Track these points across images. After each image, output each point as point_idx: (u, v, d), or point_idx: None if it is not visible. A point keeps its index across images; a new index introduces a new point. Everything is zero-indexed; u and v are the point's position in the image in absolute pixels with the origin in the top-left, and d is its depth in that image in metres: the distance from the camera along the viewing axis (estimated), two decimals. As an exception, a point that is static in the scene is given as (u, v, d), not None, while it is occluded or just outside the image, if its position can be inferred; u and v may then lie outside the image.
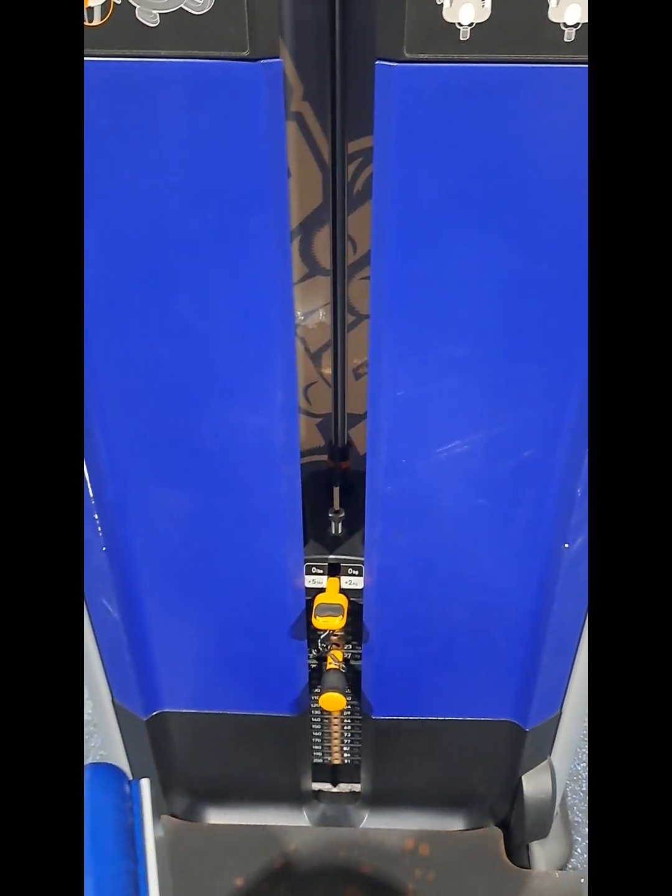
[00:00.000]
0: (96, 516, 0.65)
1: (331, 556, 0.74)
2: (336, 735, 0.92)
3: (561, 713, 0.84)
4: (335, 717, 0.88)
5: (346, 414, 0.78)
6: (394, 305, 0.56)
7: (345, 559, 0.74)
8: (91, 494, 0.64)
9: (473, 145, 0.49)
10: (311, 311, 0.77)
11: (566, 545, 0.67)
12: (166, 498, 0.66)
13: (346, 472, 0.78)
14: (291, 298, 0.57)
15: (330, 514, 0.76)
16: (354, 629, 0.78)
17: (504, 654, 0.77)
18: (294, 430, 0.63)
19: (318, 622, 0.72)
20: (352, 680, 0.82)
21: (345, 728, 0.90)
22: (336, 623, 0.72)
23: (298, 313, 0.76)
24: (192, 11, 0.44)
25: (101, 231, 0.52)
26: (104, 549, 0.67)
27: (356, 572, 0.74)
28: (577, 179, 0.49)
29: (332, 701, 0.76)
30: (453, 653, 0.78)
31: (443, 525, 0.67)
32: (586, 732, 1.28)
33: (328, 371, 0.79)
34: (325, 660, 0.79)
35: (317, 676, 0.82)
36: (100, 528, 0.66)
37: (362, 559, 0.73)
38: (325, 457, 0.81)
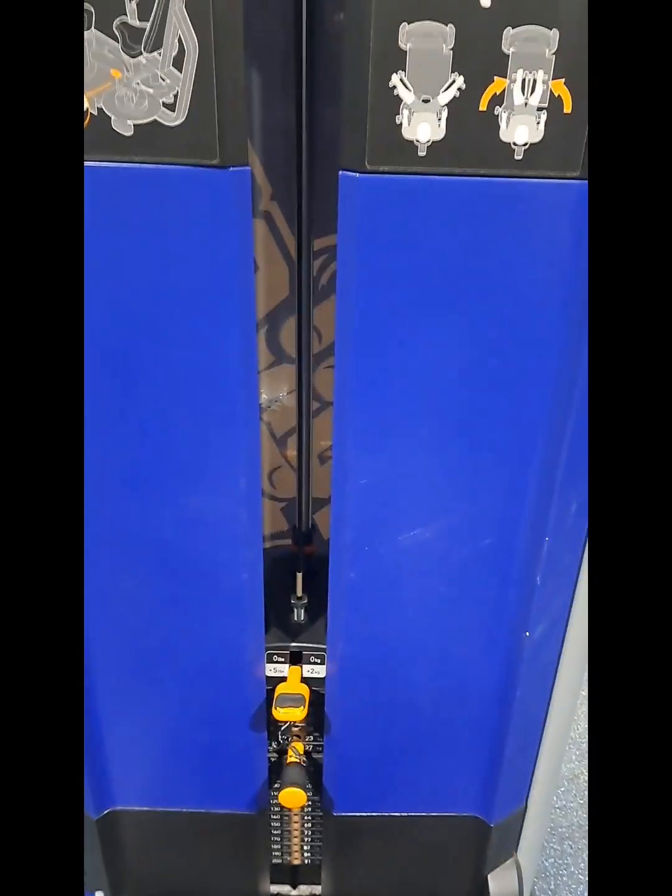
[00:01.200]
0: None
1: (293, 644, 0.73)
2: (296, 833, 0.88)
3: (526, 806, 0.82)
4: (295, 814, 0.85)
5: (310, 498, 0.78)
6: (356, 395, 0.58)
7: (307, 647, 0.73)
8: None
9: (429, 249, 0.52)
10: (276, 397, 0.79)
11: (527, 634, 0.67)
12: (124, 583, 0.65)
13: (311, 557, 0.78)
14: (256, 385, 0.59)
15: (293, 601, 0.76)
16: (316, 720, 0.76)
17: (468, 745, 0.76)
18: (257, 515, 0.63)
19: (279, 713, 0.71)
20: (313, 774, 0.79)
21: (305, 826, 0.87)
22: (297, 714, 0.71)
23: (264, 399, 0.78)
24: (166, 123, 0.47)
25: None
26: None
27: (318, 660, 0.73)
28: (523, 281, 0.53)
29: (293, 797, 0.74)
30: (417, 744, 0.76)
31: (405, 612, 0.67)
32: (551, 826, 1.24)
33: (294, 455, 0.80)
34: (286, 753, 0.77)
35: (276, 771, 0.80)
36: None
37: (325, 647, 0.72)
38: (289, 541, 0.81)
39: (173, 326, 0.54)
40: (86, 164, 0.48)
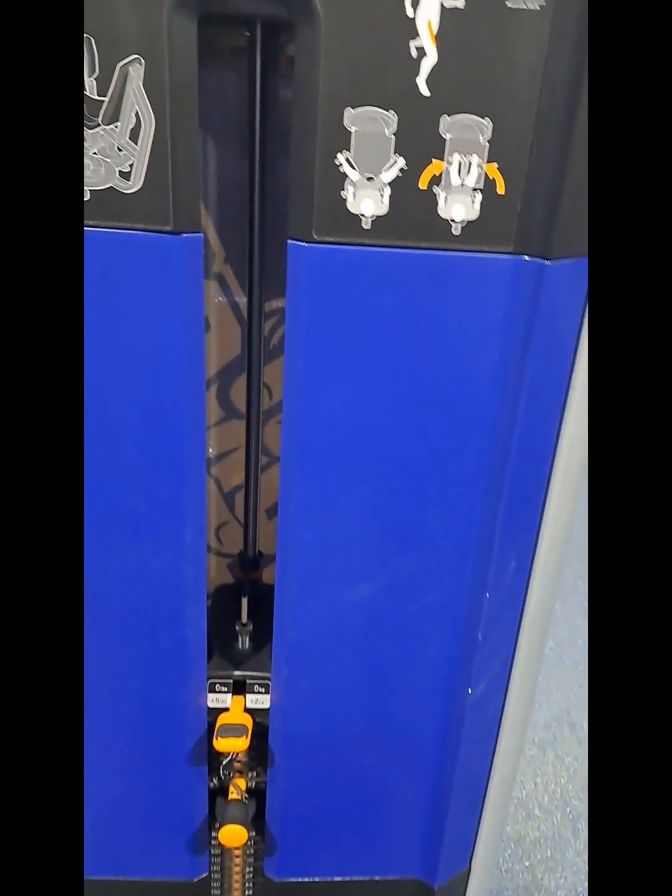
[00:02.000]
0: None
1: (236, 673, 0.72)
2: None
3: (470, 868, 0.81)
4: (236, 883, 0.83)
5: (257, 549, 0.79)
6: (302, 450, 0.59)
7: (251, 676, 0.72)
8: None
9: (372, 315, 0.54)
10: (225, 452, 0.80)
11: (469, 691, 0.68)
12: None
13: (256, 583, 0.77)
14: (204, 441, 0.60)
15: (237, 627, 0.75)
16: (259, 754, 0.75)
17: (411, 802, 0.75)
18: (202, 570, 0.63)
19: (221, 744, 0.69)
20: (255, 816, 0.77)
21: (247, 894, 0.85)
22: (239, 744, 0.69)
23: (212, 454, 0.79)
24: (122, 190, 0.49)
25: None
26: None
27: (263, 690, 0.72)
28: (460, 346, 0.56)
29: (233, 835, 0.71)
30: (359, 798, 0.76)
31: (348, 668, 0.68)
32: (497, 889, 1.23)
33: (241, 510, 0.81)
34: (227, 790, 0.75)
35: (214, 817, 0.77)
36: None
37: (269, 676, 0.71)
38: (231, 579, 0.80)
39: (123, 384, 0.55)
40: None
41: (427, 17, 0.46)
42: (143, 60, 0.46)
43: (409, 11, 0.46)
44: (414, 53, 0.47)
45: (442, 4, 0.46)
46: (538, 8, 0.46)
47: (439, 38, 0.47)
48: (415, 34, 0.47)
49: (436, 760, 0.72)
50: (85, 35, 0.46)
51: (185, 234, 0.50)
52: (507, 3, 0.46)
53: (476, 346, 0.55)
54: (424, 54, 0.47)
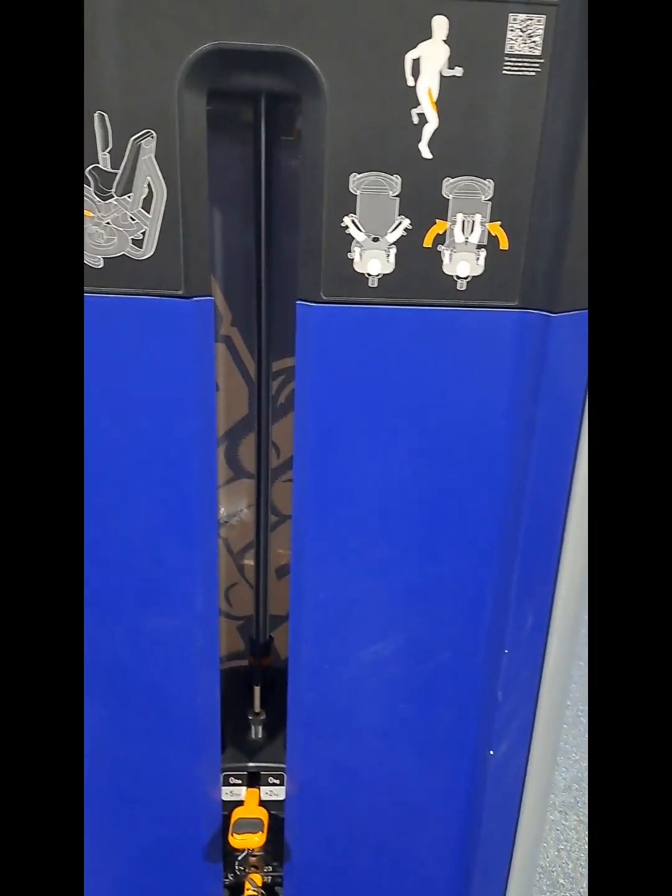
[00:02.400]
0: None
1: (250, 764, 0.70)
2: None
3: (498, 944, 0.77)
4: None
5: (267, 611, 0.77)
6: (314, 509, 0.59)
7: (266, 767, 0.70)
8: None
9: (381, 371, 0.55)
10: (234, 512, 0.79)
11: (491, 752, 0.66)
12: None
13: (268, 669, 0.76)
14: (215, 504, 0.59)
15: (250, 716, 0.73)
16: (275, 848, 0.72)
17: (435, 874, 0.72)
18: (214, 634, 0.62)
19: (236, 841, 0.66)
20: None
21: None
22: (255, 841, 0.67)
23: (223, 514, 0.78)
24: (134, 257, 0.50)
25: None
26: None
27: (278, 782, 0.70)
28: (468, 399, 0.56)
29: None
30: (380, 881, 0.72)
31: (366, 732, 0.66)
32: None
33: (251, 570, 0.80)
34: (243, 887, 0.72)
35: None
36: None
37: (284, 767, 0.69)
38: (245, 661, 0.79)
39: (134, 446, 0.56)
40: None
41: (427, 86, 0.48)
42: (154, 134, 0.48)
43: (410, 81, 0.48)
44: (415, 120, 0.49)
45: (441, 73, 0.48)
46: (534, 73, 0.48)
47: (440, 105, 0.48)
48: (416, 102, 0.48)
49: (458, 831, 0.69)
50: (99, 112, 0.47)
51: (196, 299, 0.51)
52: (503, 70, 0.48)
53: (485, 399, 0.55)
54: (426, 120, 0.49)
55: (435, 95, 0.48)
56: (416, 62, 0.47)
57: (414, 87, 0.48)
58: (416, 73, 0.48)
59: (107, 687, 0.62)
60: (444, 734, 0.67)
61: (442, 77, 0.48)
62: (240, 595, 0.82)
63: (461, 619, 0.62)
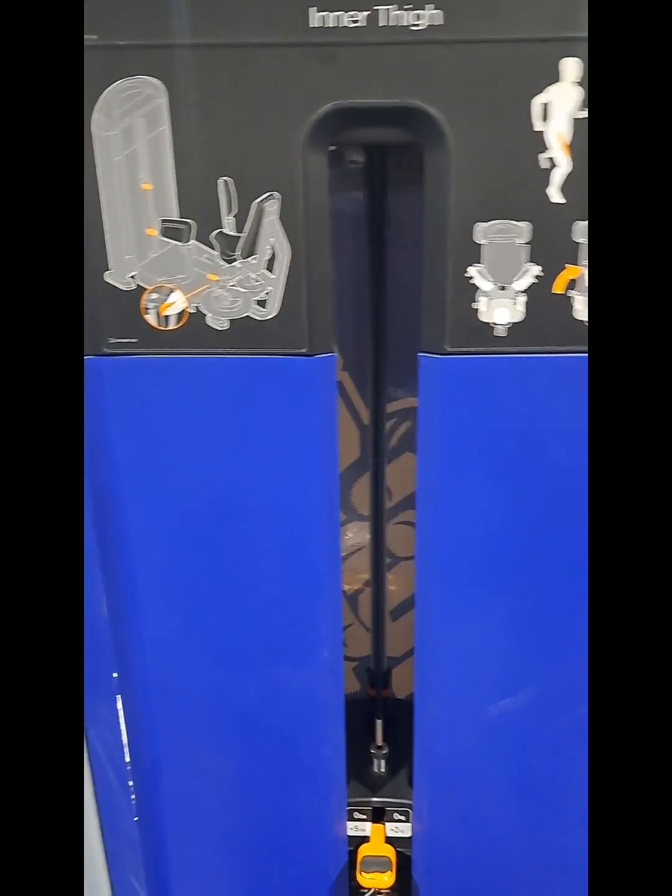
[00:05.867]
0: (131, 783, 0.62)
1: (375, 799, 0.68)
2: None
3: None
4: None
5: (384, 645, 0.76)
6: (440, 561, 0.57)
7: (390, 802, 0.68)
8: (127, 759, 0.61)
9: (508, 421, 0.53)
10: (347, 555, 0.79)
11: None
12: (203, 759, 0.63)
13: (388, 702, 0.74)
14: (339, 556, 0.59)
15: (372, 750, 0.72)
16: (402, 886, 0.70)
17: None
18: (339, 686, 0.61)
19: (365, 880, 0.65)
20: None
21: None
22: (386, 880, 0.65)
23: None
24: (257, 318, 0.50)
25: (165, 494, 0.55)
26: (136, 818, 0.63)
27: (403, 818, 0.68)
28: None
29: None
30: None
31: (495, 790, 0.64)
32: None
33: (364, 613, 0.79)
34: None
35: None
36: (133, 796, 0.62)
37: (409, 802, 0.67)
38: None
39: (262, 502, 0.55)
40: (185, 356, 0.51)
41: (557, 129, 0.46)
42: (277, 196, 0.48)
43: (538, 125, 0.46)
44: (544, 164, 0.47)
45: (572, 116, 0.46)
46: (671, 110, 0.46)
47: (572, 148, 0.46)
48: (544, 147, 0.47)
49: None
50: (223, 178, 0.48)
51: (319, 356, 0.51)
52: (637, 107, 0.46)
53: (623, 448, 0.53)
54: (555, 164, 0.47)
55: (567, 139, 0.46)
56: (546, 106, 0.46)
57: (542, 131, 0.46)
58: (545, 118, 0.46)
59: (240, 740, 0.62)
60: (577, 790, 0.64)
61: (574, 120, 0.46)
62: (355, 636, 0.81)
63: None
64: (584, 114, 0.46)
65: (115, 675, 0.59)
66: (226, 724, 0.62)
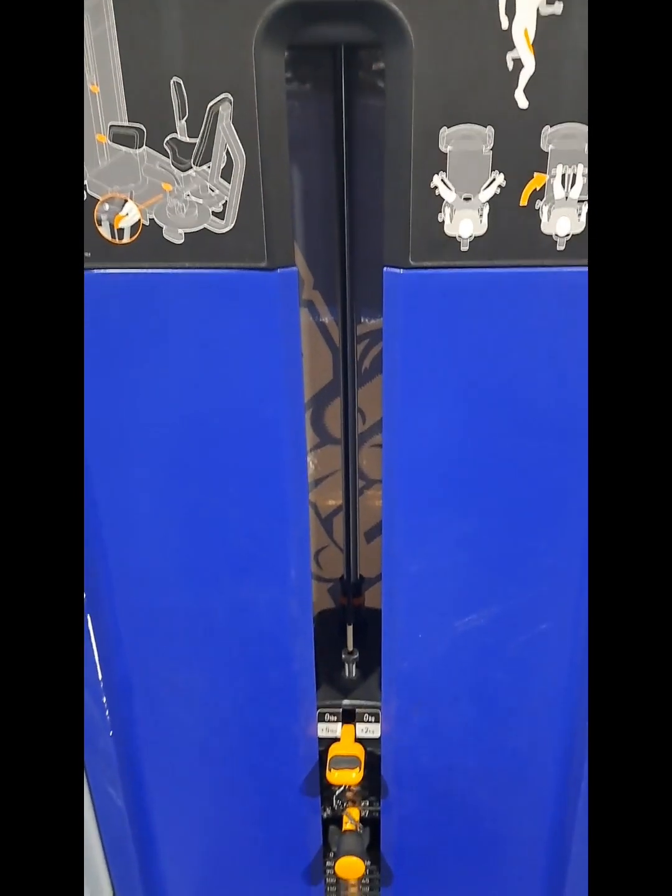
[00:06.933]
0: (104, 699, 0.64)
1: (345, 702, 0.71)
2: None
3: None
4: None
5: (358, 563, 0.77)
6: (405, 478, 0.57)
7: (360, 704, 0.70)
8: (99, 676, 0.62)
9: (473, 337, 0.52)
10: (322, 477, 0.79)
11: (589, 721, 0.64)
12: (174, 674, 0.65)
13: (360, 609, 0.76)
14: (305, 474, 0.59)
15: (344, 656, 0.74)
16: (371, 783, 0.73)
17: (532, 836, 0.72)
18: (308, 604, 0.62)
19: (334, 776, 0.67)
20: (370, 844, 0.76)
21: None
22: (353, 777, 0.67)
23: (310, 480, 0.78)
24: (215, 231, 0.49)
25: (125, 413, 0.54)
26: (111, 733, 0.65)
27: (373, 719, 0.70)
28: (565, 363, 0.53)
29: (351, 868, 0.70)
30: (477, 831, 0.73)
31: (459, 703, 0.65)
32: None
33: (339, 535, 0.80)
34: (341, 820, 0.74)
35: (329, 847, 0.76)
36: (107, 711, 0.64)
37: (379, 704, 0.69)
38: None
39: (223, 421, 0.55)
40: (138, 271, 0.50)
41: (523, 26, 0.44)
42: (232, 98, 0.46)
43: (504, 23, 0.44)
44: (510, 65, 0.45)
45: (538, 11, 0.43)
46: (645, 4, 0.43)
47: (536, 47, 0.44)
48: (510, 46, 0.44)
49: (557, 795, 0.69)
50: (175, 78, 0.45)
51: (280, 270, 0.50)
52: (609, 2, 0.43)
53: (584, 364, 0.52)
54: (522, 65, 0.45)
55: (531, 37, 0.44)
56: (511, 1, 0.43)
57: (508, 29, 0.44)
58: (511, 13, 0.43)
59: (209, 656, 0.63)
60: (541, 702, 0.66)
61: (539, 16, 0.43)
62: (329, 558, 0.82)
63: (559, 587, 0.60)
64: (553, 10, 0.43)
65: (83, 594, 0.60)
66: (196, 640, 0.63)
